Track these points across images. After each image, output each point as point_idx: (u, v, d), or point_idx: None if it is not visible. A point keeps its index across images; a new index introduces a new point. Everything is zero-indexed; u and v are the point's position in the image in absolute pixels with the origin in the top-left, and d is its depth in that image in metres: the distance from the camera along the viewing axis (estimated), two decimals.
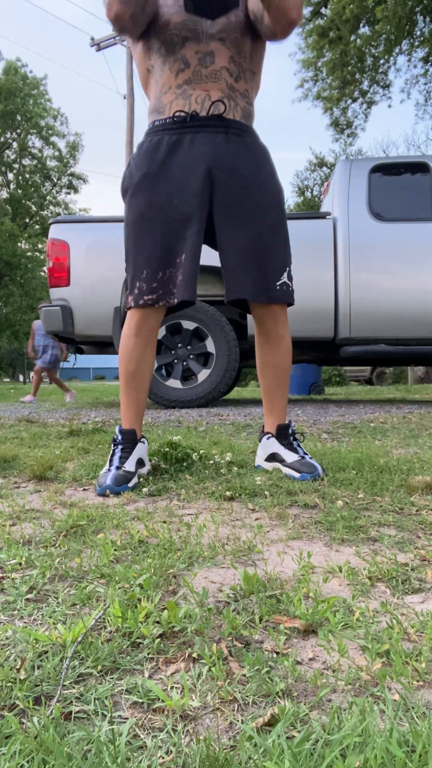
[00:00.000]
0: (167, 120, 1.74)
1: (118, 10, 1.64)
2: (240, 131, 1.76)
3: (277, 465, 1.83)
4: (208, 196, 1.74)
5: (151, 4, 1.68)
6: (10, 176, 31.08)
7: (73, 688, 0.66)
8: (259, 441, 1.92)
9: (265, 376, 1.89)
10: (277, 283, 1.76)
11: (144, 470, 1.81)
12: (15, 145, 30.13)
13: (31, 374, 6.97)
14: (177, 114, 1.72)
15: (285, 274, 1.78)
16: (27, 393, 9.05)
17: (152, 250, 1.71)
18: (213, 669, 0.69)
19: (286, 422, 1.89)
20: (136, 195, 1.75)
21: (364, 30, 11.51)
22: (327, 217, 4.40)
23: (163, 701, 0.63)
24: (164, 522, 1.31)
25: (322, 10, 11.55)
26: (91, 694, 0.65)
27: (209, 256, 3.88)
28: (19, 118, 28.79)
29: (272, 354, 1.85)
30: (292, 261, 1.85)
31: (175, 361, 4.23)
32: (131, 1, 1.62)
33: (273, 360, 1.86)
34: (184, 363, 4.22)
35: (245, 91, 1.78)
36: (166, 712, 0.62)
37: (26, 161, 30.88)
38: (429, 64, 12.12)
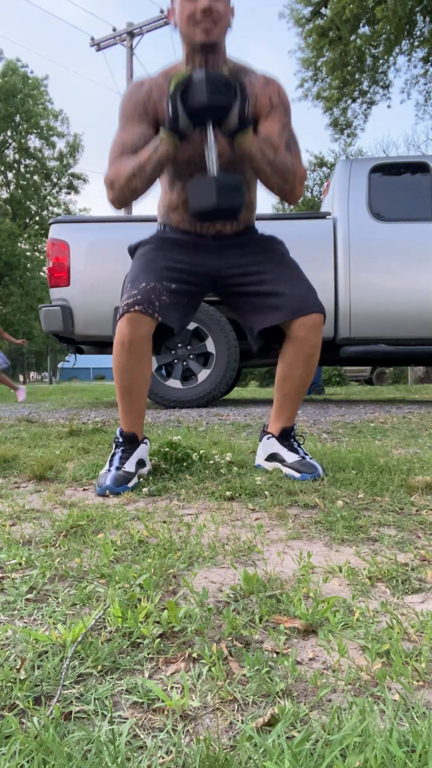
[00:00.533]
0: (177, 230, 1.87)
1: (119, 201, 1.76)
2: (240, 237, 1.87)
3: (277, 465, 1.83)
4: (213, 283, 1.87)
5: (147, 190, 1.77)
6: (10, 176, 31.09)
7: (73, 688, 0.66)
8: (260, 441, 1.92)
9: (284, 387, 1.84)
10: (316, 296, 1.79)
11: (144, 470, 1.80)
12: (15, 145, 30.13)
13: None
14: (184, 231, 1.85)
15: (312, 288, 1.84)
16: (27, 393, 9.05)
17: (142, 275, 1.74)
18: (213, 669, 0.69)
19: (291, 425, 1.88)
20: (143, 246, 1.87)
21: (364, 30, 11.51)
22: (327, 217, 4.39)
23: (163, 701, 0.63)
24: (164, 522, 1.31)
25: (322, 10, 11.55)
26: (91, 694, 0.65)
27: None
28: (18, 118, 28.79)
29: (300, 369, 1.80)
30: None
31: (175, 361, 4.23)
32: (135, 198, 1.75)
33: (297, 373, 1.81)
34: (184, 363, 4.22)
35: (248, 203, 1.88)
36: (166, 712, 0.62)
37: (26, 161, 30.88)
38: (429, 64, 12.12)
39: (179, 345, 4.23)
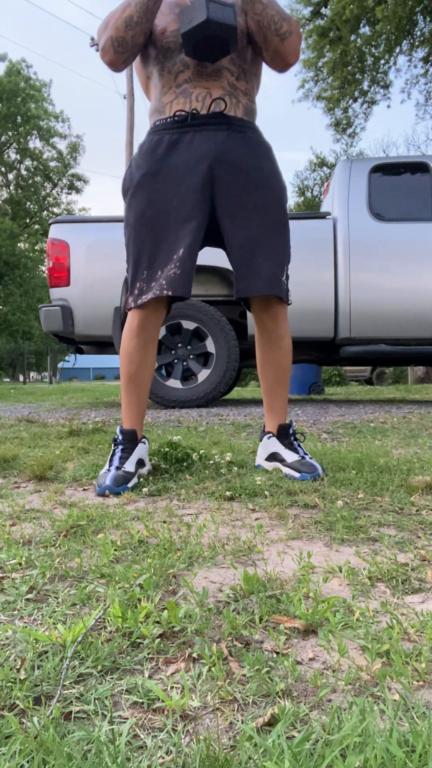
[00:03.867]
0: (168, 120, 1.74)
1: (111, 58, 1.71)
2: (242, 128, 1.76)
3: (278, 465, 1.83)
4: (209, 194, 1.73)
5: (141, 46, 1.72)
6: (11, 177, 31.08)
7: (73, 688, 0.66)
8: (260, 440, 1.92)
9: (266, 375, 1.88)
10: (282, 279, 1.76)
11: (144, 470, 1.80)
12: (15, 145, 30.12)
13: None
14: (177, 113, 1.72)
15: (284, 273, 1.78)
16: (27, 393, 9.04)
17: (152, 250, 1.71)
18: (213, 669, 0.69)
19: (287, 422, 1.89)
20: (136, 195, 1.74)
21: (365, 30, 11.51)
22: (327, 217, 4.40)
23: (163, 701, 0.63)
24: (164, 522, 1.31)
25: (322, 10, 11.55)
26: (91, 694, 0.65)
27: (210, 257, 3.88)
28: (19, 119, 28.78)
29: (273, 353, 1.85)
30: (290, 261, 1.84)
31: (175, 361, 4.23)
32: (125, 50, 1.69)
33: (273, 359, 1.85)
34: (184, 363, 4.22)
35: (246, 90, 1.78)
36: (166, 712, 0.62)
37: (27, 162, 30.87)
38: (429, 64, 12.11)
39: (179, 345, 4.23)
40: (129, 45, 1.68)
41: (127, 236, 1.77)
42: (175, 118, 1.73)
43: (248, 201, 1.73)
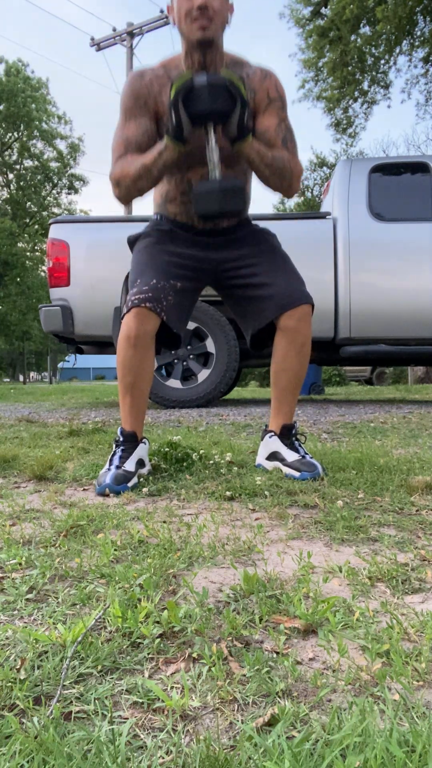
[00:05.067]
0: (174, 221, 1.89)
1: (124, 199, 1.80)
2: (236, 232, 1.90)
3: (278, 464, 1.83)
4: (211, 276, 1.90)
5: (153, 187, 1.81)
6: (11, 177, 31.08)
7: (73, 688, 0.66)
8: (261, 439, 1.92)
9: (280, 380, 1.85)
10: (305, 287, 1.83)
11: (144, 470, 1.81)
12: (16, 145, 30.11)
13: None
14: (180, 225, 1.88)
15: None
16: (27, 393, 9.04)
17: (150, 271, 1.77)
18: (213, 669, 0.69)
19: (292, 422, 1.89)
20: (143, 239, 1.90)
21: (365, 30, 11.51)
22: (327, 217, 4.39)
23: (163, 701, 0.63)
24: (164, 522, 1.31)
25: (322, 10, 11.55)
26: (91, 694, 0.65)
27: None
28: (21, 119, 28.76)
29: (293, 359, 1.82)
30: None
31: (175, 361, 4.23)
32: (135, 197, 1.79)
33: (291, 365, 1.83)
34: (184, 363, 4.22)
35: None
36: (166, 712, 0.62)
37: (27, 163, 30.87)
38: (429, 64, 12.11)
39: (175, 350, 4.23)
40: (144, 193, 1.80)
41: (134, 264, 1.86)
42: (179, 223, 1.88)
43: (251, 251, 1.87)
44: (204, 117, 1.62)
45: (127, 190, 1.76)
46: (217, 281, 1.92)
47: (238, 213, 1.77)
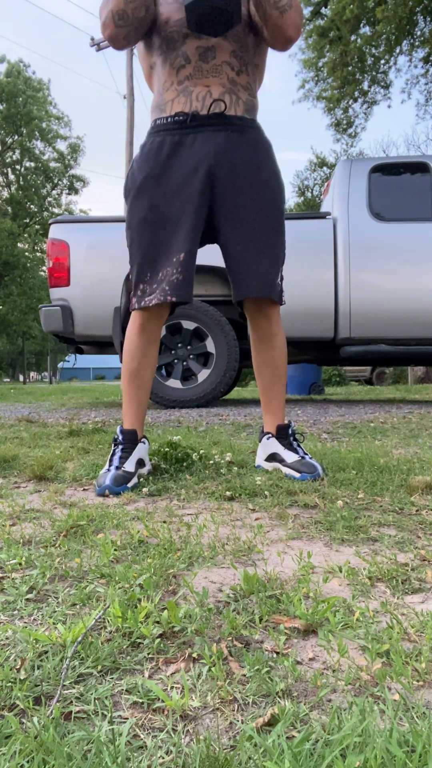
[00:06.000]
0: (168, 120, 1.75)
1: (112, 32, 1.69)
2: (242, 127, 1.76)
3: (277, 465, 1.83)
4: (208, 195, 1.74)
5: (146, 24, 1.71)
6: (12, 177, 31.08)
7: (73, 688, 0.66)
8: (259, 441, 1.92)
9: (262, 375, 1.89)
10: (276, 281, 1.78)
11: (144, 470, 1.81)
12: (17, 146, 30.10)
13: None
14: (178, 115, 1.73)
15: (279, 275, 1.80)
16: (27, 393, 9.04)
17: (154, 253, 1.73)
18: (213, 669, 0.69)
19: (286, 422, 1.89)
20: (138, 198, 1.75)
21: (365, 30, 11.51)
22: (327, 217, 4.39)
23: (163, 701, 0.63)
24: (164, 522, 1.31)
25: (322, 10, 11.55)
26: (91, 694, 0.65)
27: (210, 257, 3.88)
28: (21, 119, 28.75)
29: (267, 352, 1.86)
30: (285, 261, 1.86)
31: (175, 361, 4.23)
32: (126, 24, 1.67)
33: (268, 358, 1.87)
34: (184, 363, 4.22)
35: (248, 84, 1.78)
36: (166, 712, 0.62)
37: (27, 163, 30.85)
38: (429, 64, 12.11)
39: (179, 345, 4.23)
40: (130, 18, 1.66)
41: (130, 239, 1.79)
42: (176, 120, 1.73)
43: (246, 203, 1.74)
44: None
45: (116, 3, 1.62)
46: (213, 193, 1.75)
47: (230, 15, 1.57)
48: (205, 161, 1.72)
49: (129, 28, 1.68)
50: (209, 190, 1.74)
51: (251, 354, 1.90)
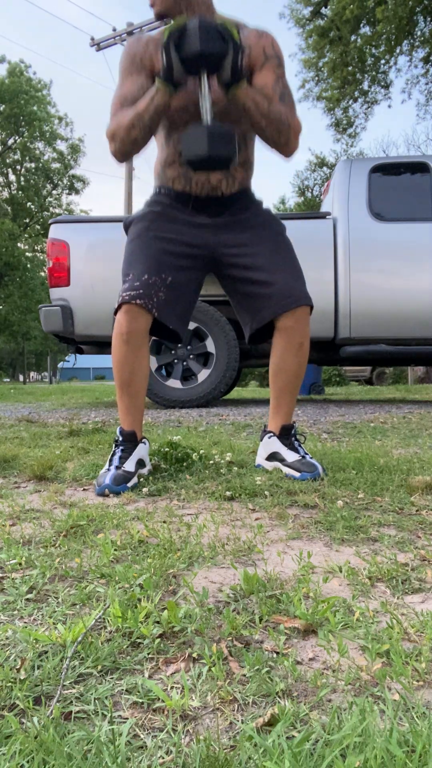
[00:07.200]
0: (172, 194, 1.85)
1: (118, 161, 1.80)
2: (236, 202, 1.86)
3: (278, 464, 1.83)
4: (209, 267, 1.87)
5: (148, 141, 1.78)
6: (12, 177, 31.08)
7: (73, 688, 0.66)
8: (260, 440, 1.92)
9: (278, 380, 1.86)
10: (305, 287, 1.81)
11: (144, 470, 1.80)
12: (18, 146, 30.09)
13: None
14: (180, 195, 1.83)
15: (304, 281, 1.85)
16: (27, 393, 9.04)
17: (141, 264, 1.75)
18: (213, 669, 0.69)
19: (291, 423, 1.89)
20: (137, 224, 1.84)
21: (365, 30, 11.51)
22: (327, 217, 4.39)
23: (163, 701, 0.63)
24: (164, 522, 1.31)
25: (323, 10, 11.55)
26: (91, 694, 0.65)
27: None
28: (23, 121, 28.74)
29: (292, 360, 1.82)
30: None
31: (175, 361, 4.23)
32: (131, 156, 1.78)
33: (290, 366, 1.83)
34: (184, 363, 4.22)
35: (244, 161, 1.86)
36: (166, 712, 0.62)
37: (28, 164, 30.85)
38: (429, 64, 12.12)
39: (179, 345, 4.23)
40: (134, 153, 1.79)
41: (126, 253, 1.82)
42: (179, 198, 1.84)
43: (253, 241, 1.82)
44: (196, 59, 1.59)
45: (122, 142, 1.73)
46: (216, 268, 1.88)
47: (228, 160, 1.67)
48: (206, 249, 1.83)
49: (137, 150, 1.79)
50: (211, 262, 1.86)
51: (271, 358, 1.86)
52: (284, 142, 1.75)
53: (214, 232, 1.84)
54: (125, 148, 1.74)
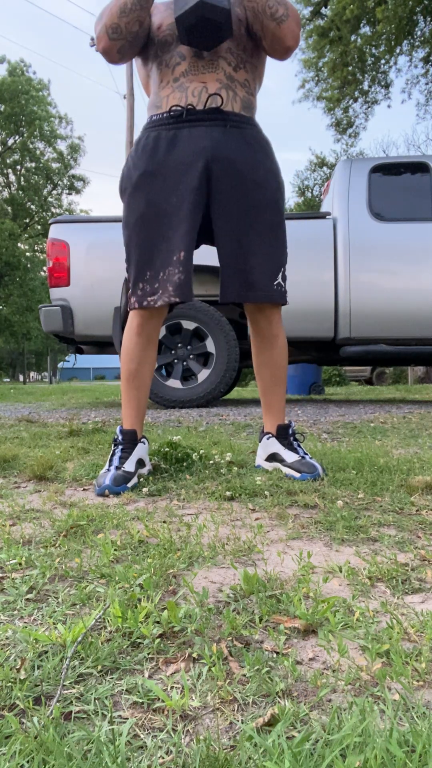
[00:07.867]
0: (164, 115, 1.73)
1: (105, 45, 1.70)
2: (239, 123, 1.73)
3: (277, 465, 1.83)
4: (205, 192, 1.71)
5: (140, 39, 1.71)
6: (12, 177, 31.08)
7: (73, 688, 0.66)
8: (259, 441, 1.92)
9: (262, 375, 1.89)
10: (274, 283, 1.75)
11: (144, 470, 1.81)
12: (18, 146, 30.09)
13: None
14: (173, 108, 1.70)
15: (280, 275, 1.77)
16: (27, 393, 9.04)
17: (153, 251, 1.71)
18: (213, 669, 0.69)
19: (286, 422, 1.89)
20: (134, 195, 1.73)
21: (365, 30, 11.51)
22: (327, 217, 4.39)
23: (163, 701, 0.63)
24: (164, 522, 1.31)
25: (323, 10, 11.55)
26: (91, 694, 0.65)
27: (210, 257, 3.88)
28: (23, 119, 28.74)
29: (268, 352, 1.85)
30: (287, 261, 1.83)
31: (175, 361, 4.23)
32: (120, 38, 1.68)
33: (269, 359, 1.86)
34: (184, 363, 4.22)
35: (245, 81, 1.75)
36: (166, 712, 0.62)
37: (28, 164, 30.84)
38: (429, 64, 12.11)
39: (179, 345, 4.23)
40: (123, 32, 1.67)
41: (127, 237, 1.76)
42: (171, 113, 1.71)
43: (243, 201, 1.72)
44: None
45: (110, 17, 1.64)
46: (209, 189, 1.72)
47: (220, 27, 1.57)
48: (202, 156, 1.68)
49: (123, 42, 1.69)
50: (206, 186, 1.71)
51: (252, 354, 1.89)
52: (281, 15, 1.63)
53: (211, 136, 1.69)
54: (113, 20, 1.64)
